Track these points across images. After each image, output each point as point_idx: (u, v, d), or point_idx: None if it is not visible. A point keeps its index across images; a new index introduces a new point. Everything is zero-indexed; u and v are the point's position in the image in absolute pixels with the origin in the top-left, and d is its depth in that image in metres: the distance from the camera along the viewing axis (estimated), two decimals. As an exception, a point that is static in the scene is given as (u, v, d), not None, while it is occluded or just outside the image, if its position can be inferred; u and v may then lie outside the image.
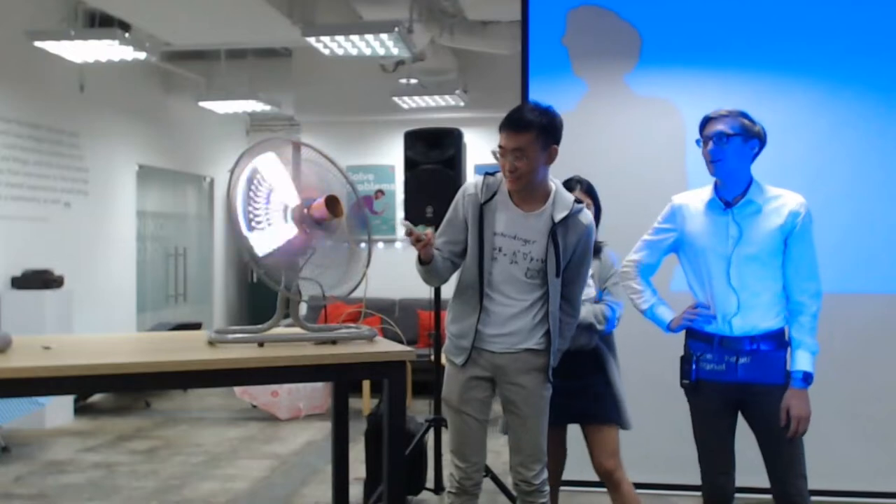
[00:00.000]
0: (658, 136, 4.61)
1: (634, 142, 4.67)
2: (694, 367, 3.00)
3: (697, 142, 3.00)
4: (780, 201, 2.95)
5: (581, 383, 3.44)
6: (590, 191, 3.54)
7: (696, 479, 3.10)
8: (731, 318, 2.95)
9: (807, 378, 2.90)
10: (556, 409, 3.31)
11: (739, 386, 2.95)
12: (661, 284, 3.30)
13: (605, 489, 3.56)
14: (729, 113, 2.94)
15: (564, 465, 3.70)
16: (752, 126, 2.95)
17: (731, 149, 2.90)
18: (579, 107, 4.74)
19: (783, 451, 2.91)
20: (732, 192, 2.96)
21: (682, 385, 3.06)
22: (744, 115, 2.96)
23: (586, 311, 3.37)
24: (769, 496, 2.99)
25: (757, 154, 2.97)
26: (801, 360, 2.91)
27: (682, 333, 3.14)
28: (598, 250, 3.46)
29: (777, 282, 2.95)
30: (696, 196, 3.06)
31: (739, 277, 2.93)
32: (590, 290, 3.40)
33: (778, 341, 2.97)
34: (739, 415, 3.03)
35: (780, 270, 2.95)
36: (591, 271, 3.33)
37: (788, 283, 2.96)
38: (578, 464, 4.28)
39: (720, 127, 2.92)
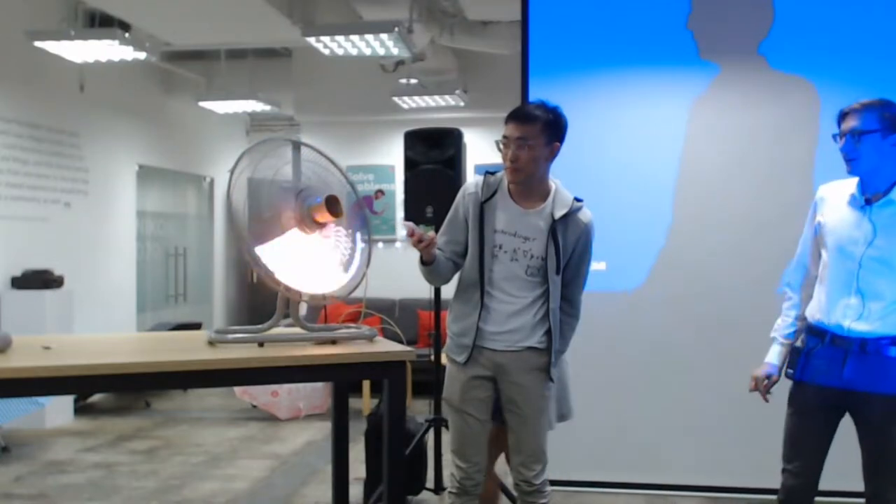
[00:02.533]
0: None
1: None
2: (801, 362, 2.84)
3: (834, 136, 2.77)
4: None
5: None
6: None
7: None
8: (847, 322, 2.74)
9: None
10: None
11: (845, 392, 2.76)
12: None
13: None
14: (863, 106, 2.70)
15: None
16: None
17: (867, 146, 2.67)
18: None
19: (882, 461, 2.77)
20: (873, 189, 2.73)
21: (787, 374, 2.91)
22: (885, 106, 2.70)
23: None
24: (846, 499, 2.89)
25: None
26: None
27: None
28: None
29: None
30: (841, 187, 2.83)
31: (865, 280, 2.71)
32: None
33: None
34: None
35: None
36: None
37: None
38: (581, 464, 4.29)
39: (853, 123, 2.68)
